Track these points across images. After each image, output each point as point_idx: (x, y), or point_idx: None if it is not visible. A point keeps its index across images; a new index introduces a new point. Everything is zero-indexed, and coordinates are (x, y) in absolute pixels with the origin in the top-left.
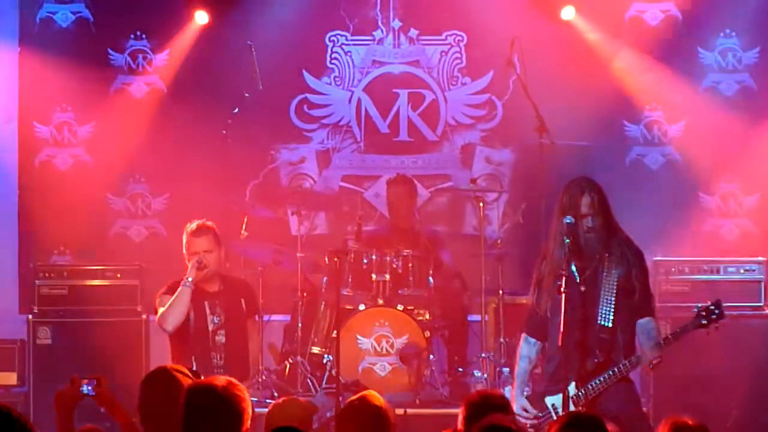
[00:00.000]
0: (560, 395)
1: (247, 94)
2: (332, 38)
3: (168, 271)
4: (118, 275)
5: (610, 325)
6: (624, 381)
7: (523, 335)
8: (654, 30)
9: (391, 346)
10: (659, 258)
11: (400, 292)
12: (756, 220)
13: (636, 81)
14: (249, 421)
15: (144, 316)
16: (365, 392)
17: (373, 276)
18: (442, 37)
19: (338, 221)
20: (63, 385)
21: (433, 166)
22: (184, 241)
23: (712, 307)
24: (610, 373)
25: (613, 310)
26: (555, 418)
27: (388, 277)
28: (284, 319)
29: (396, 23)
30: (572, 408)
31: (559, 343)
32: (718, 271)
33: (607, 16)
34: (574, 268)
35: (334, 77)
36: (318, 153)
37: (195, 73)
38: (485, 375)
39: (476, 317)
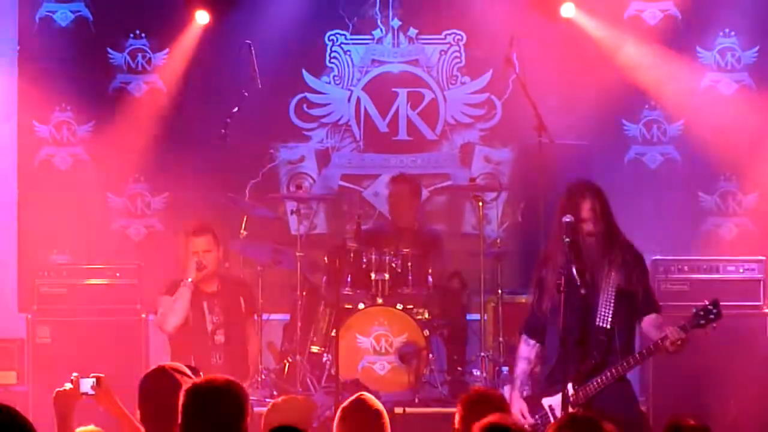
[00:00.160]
0: (557, 396)
1: (246, 93)
2: (331, 37)
3: (167, 270)
4: (118, 274)
5: (609, 327)
6: (621, 381)
7: (523, 336)
8: (653, 29)
9: (390, 345)
10: (658, 257)
11: (399, 291)
12: (755, 219)
13: (641, 73)
14: (248, 420)
15: (143, 315)
16: (361, 394)
17: (373, 275)
18: (442, 36)
19: (337, 220)
20: (62, 384)
21: (432, 165)
22: (183, 240)
23: (711, 307)
24: (608, 373)
25: (611, 312)
26: (552, 419)
27: (387, 276)
28: (283, 318)
29: (395, 22)
30: (569, 408)
31: (560, 344)
32: (717, 270)
33: (606, 15)
34: (574, 270)
35: (334, 76)
36: (317, 152)
37: (194, 73)
38: (484, 374)
39: (475, 316)
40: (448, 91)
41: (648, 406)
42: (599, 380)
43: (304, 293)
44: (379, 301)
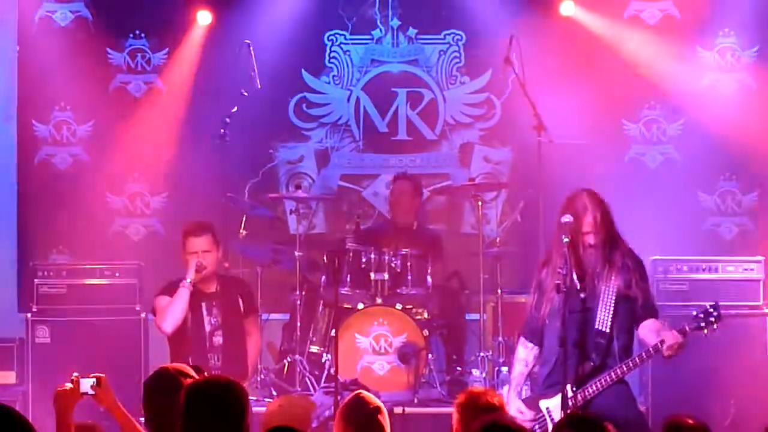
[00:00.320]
0: (554, 398)
1: (245, 93)
2: (331, 37)
3: (166, 269)
4: (117, 274)
5: (608, 330)
6: (619, 382)
7: (521, 339)
8: (652, 29)
9: (390, 345)
10: (657, 257)
11: (398, 291)
12: (755, 219)
13: (641, 71)
14: (249, 420)
15: (143, 315)
16: (360, 392)
17: (372, 275)
18: (441, 36)
19: (337, 220)
20: (62, 384)
21: (431, 165)
22: (182, 240)
23: (711, 310)
24: (607, 377)
25: (611, 316)
26: (549, 421)
27: (386, 276)
28: (283, 318)
29: (395, 22)
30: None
31: (559, 344)
32: (716, 270)
33: (606, 15)
34: (574, 275)
35: (333, 76)
36: (317, 152)
37: (194, 72)
38: (484, 374)
39: (475, 316)
40: (447, 90)
41: (647, 405)
42: (598, 383)
43: (303, 293)
44: (379, 300)
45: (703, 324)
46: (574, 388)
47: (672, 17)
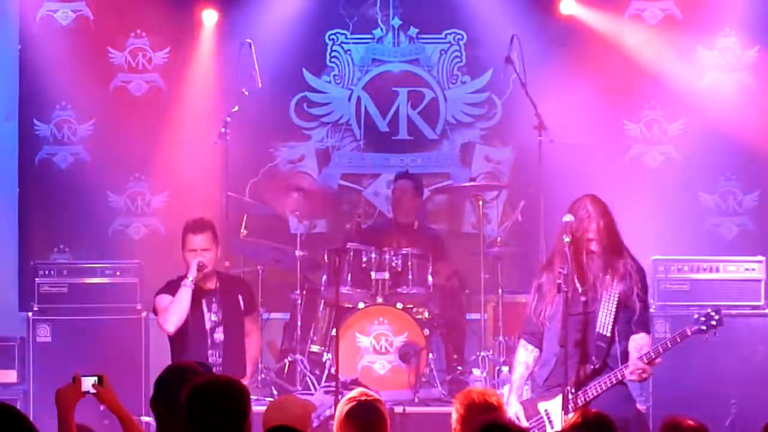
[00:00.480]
0: (553, 400)
1: (246, 92)
2: (332, 37)
3: (167, 268)
4: (118, 273)
5: (608, 334)
6: (618, 384)
7: (521, 341)
8: (653, 28)
9: (390, 344)
10: (658, 256)
11: (399, 290)
12: (755, 219)
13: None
14: (250, 419)
15: (143, 314)
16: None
17: (373, 274)
18: (442, 35)
19: (337, 220)
20: (63, 383)
21: (432, 165)
22: (182, 237)
23: (712, 314)
24: (606, 379)
25: (612, 320)
26: (547, 423)
27: (387, 275)
28: (283, 317)
29: (396, 21)
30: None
31: (560, 343)
32: (717, 270)
33: (607, 15)
34: (576, 279)
35: (334, 76)
36: (317, 151)
37: (194, 71)
38: (484, 373)
39: (475, 316)
40: (448, 90)
41: (648, 405)
42: (598, 386)
43: (304, 292)
44: (379, 300)
45: (704, 327)
46: (573, 390)
47: (673, 17)
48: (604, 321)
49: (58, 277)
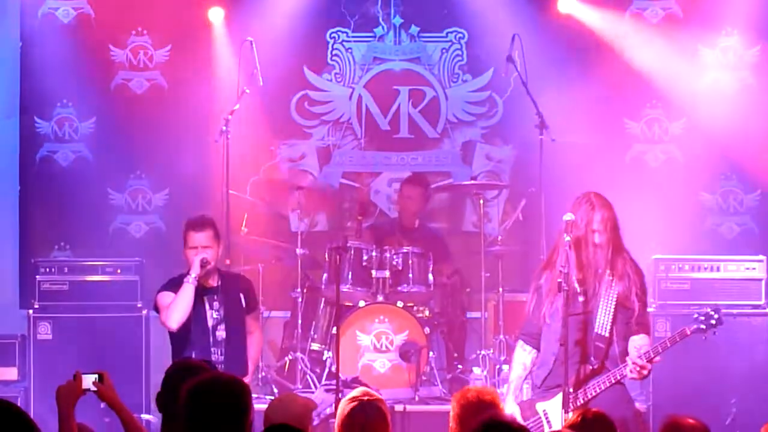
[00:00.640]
0: (551, 400)
1: (247, 90)
2: (333, 35)
3: (168, 266)
4: (119, 271)
5: (607, 334)
6: (617, 384)
7: (519, 342)
8: (654, 27)
9: (391, 342)
10: (659, 256)
11: (399, 288)
12: (756, 218)
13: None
14: (251, 418)
15: (144, 312)
16: (365, 390)
17: (373, 272)
18: (443, 34)
19: (338, 218)
20: (63, 381)
21: (433, 163)
22: (183, 234)
23: (712, 313)
24: (606, 379)
25: (611, 321)
26: (545, 423)
27: (387, 273)
28: (284, 315)
29: (397, 20)
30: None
31: (560, 342)
32: (718, 269)
33: (608, 13)
34: (575, 279)
35: (335, 74)
36: (318, 149)
37: (195, 69)
38: (484, 372)
39: (476, 314)
40: (449, 88)
41: (648, 405)
42: (596, 386)
43: (304, 290)
44: (380, 298)
45: (703, 326)
46: (574, 391)
47: (674, 16)
48: (603, 321)
49: (58, 274)
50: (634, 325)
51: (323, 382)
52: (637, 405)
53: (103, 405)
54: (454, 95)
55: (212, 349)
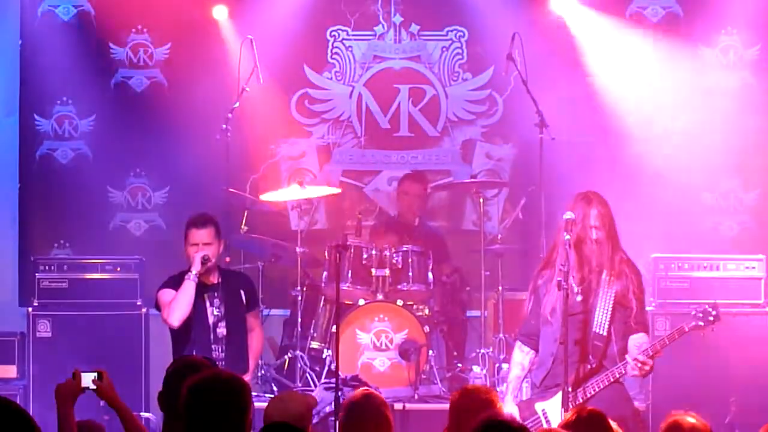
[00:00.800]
0: (550, 400)
1: (247, 89)
2: (333, 33)
3: (167, 264)
4: (118, 269)
5: (605, 333)
6: (615, 383)
7: (517, 342)
8: (655, 26)
9: (391, 341)
10: (658, 254)
11: (399, 287)
12: (756, 217)
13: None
14: (251, 415)
15: (144, 310)
16: (366, 389)
17: (373, 271)
18: (443, 32)
19: (338, 216)
20: (63, 379)
21: (433, 162)
22: (185, 232)
23: (709, 309)
24: (604, 377)
25: (608, 320)
26: (544, 423)
27: (387, 272)
28: (284, 313)
29: (397, 18)
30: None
31: (560, 341)
32: (717, 268)
33: (609, 13)
34: (572, 279)
35: (335, 72)
36: (318, 148)
37: (195, 67)
38: (484, 370)
39: (476, 313)
40: (449, 87)
41: (647, 403)
42: (595, 385)
43: (304, 289)
44: (380, 297)
45: (701, 323)
46: (572, 390)
47: (675, 15)
48: (601, 320)
49: (58, 272)
50: (632, 324)
51: (323, 380)
52: (636, 404)
53: (102, 403)
54: (454, 94)
55: (213, 347)
